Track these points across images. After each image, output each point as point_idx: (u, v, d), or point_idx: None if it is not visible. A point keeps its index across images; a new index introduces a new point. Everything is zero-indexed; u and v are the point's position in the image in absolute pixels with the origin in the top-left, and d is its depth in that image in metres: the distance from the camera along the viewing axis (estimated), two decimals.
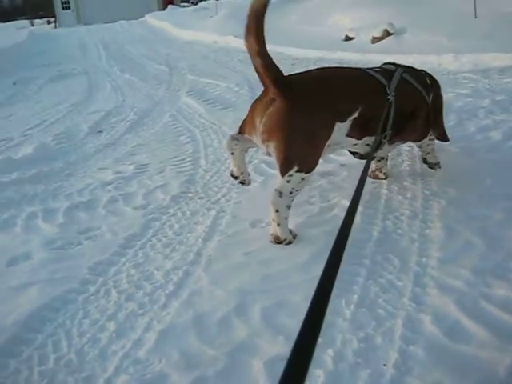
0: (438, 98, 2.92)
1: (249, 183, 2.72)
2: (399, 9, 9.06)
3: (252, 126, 2.41)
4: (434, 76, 3.00)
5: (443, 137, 3.00)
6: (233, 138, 2.56)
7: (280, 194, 2.34)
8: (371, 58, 7.13)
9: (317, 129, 2.34)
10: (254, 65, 2.27)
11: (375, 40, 8.48)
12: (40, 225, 2.92)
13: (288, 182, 2.33)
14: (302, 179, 2.35)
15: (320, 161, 2.86)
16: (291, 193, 2.36)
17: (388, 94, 2.55)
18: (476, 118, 4.01)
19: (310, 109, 2.32)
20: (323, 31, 10.12)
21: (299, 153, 2.31)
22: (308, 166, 2.35)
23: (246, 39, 2.23)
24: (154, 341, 1.86)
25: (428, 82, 2.86)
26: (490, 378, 1.56)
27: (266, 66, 2.25)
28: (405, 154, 3.35)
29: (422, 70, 2.96)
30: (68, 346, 1.89)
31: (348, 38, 9.25)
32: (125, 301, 2.12)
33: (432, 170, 3.00)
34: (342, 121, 2.42)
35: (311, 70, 2.66)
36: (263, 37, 2.20)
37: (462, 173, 3.01)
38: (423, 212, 2.60)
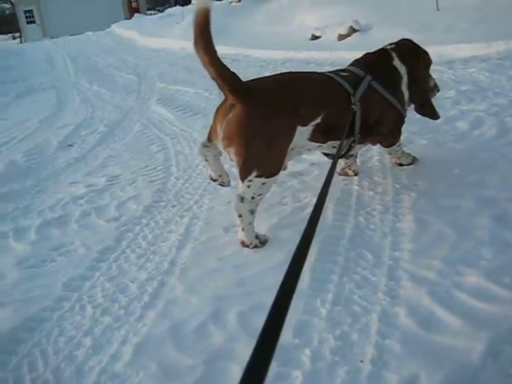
0: (414, 67, 2.85)
1: (228, 184, 2.69)
2: (363, 5, 9.17)
3: (215, 133, 2.39)
4: (413, 43, 3.02)
5: (427, 110, 2.93)
6: (203, 145, 2.53)
7: (241, 199, 2.33)
8: (338, 55, 7.19)
9: (276, 134, 2.30)
10: (209, 74, 2.26)
11: (341, 37, 8.57)
12: (11, 244, 2.88)
13: (248, 187, 2.31)
14: (263, 184, 2.32)
15: (290, 162, 2.89)
16: (253, 198, 2.34)
17: (352, 104, 2.51)
18: (442, 108, 4.04)
19: (269, 114, 2.28)
20: (289, 31, 10.19)
21: (258, 158, 2.28)
22: (269, 171, 2.32)
23: (196, 51, 2.24)
24: (131, 354, 1.84)
25: (399, 73, 2.78)
26: (465, 366, 1.58)
27: (220, 74, 2.23)
28: (374, 149, 3.37)
29: (395, 45, 2.97)
30: (44, 366, 1.86)
31: (314, 37, 9.33)
32: (100, 315, 2.10)
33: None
34: (304, 125, 2.39)
35: (273, 75, 2.62)
36: (212, 47, 2.21)
37: (431, 164, 3.04)
38: (394, 206, 2.62)
